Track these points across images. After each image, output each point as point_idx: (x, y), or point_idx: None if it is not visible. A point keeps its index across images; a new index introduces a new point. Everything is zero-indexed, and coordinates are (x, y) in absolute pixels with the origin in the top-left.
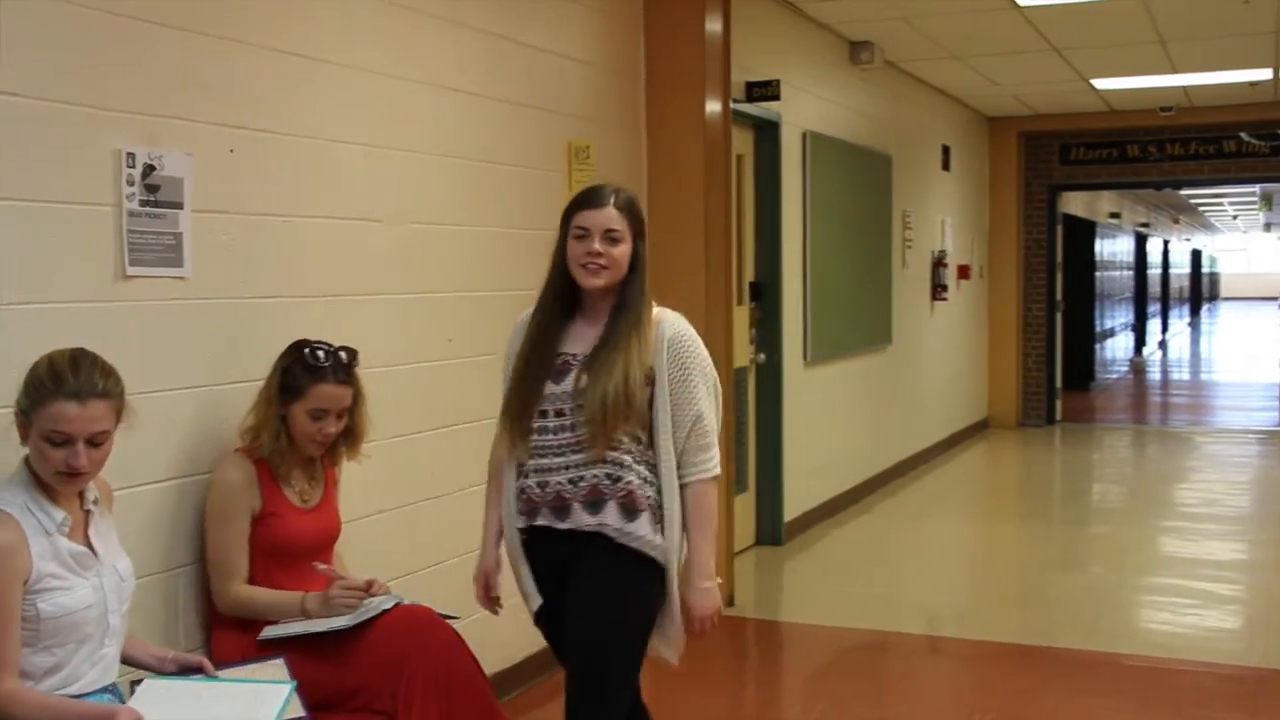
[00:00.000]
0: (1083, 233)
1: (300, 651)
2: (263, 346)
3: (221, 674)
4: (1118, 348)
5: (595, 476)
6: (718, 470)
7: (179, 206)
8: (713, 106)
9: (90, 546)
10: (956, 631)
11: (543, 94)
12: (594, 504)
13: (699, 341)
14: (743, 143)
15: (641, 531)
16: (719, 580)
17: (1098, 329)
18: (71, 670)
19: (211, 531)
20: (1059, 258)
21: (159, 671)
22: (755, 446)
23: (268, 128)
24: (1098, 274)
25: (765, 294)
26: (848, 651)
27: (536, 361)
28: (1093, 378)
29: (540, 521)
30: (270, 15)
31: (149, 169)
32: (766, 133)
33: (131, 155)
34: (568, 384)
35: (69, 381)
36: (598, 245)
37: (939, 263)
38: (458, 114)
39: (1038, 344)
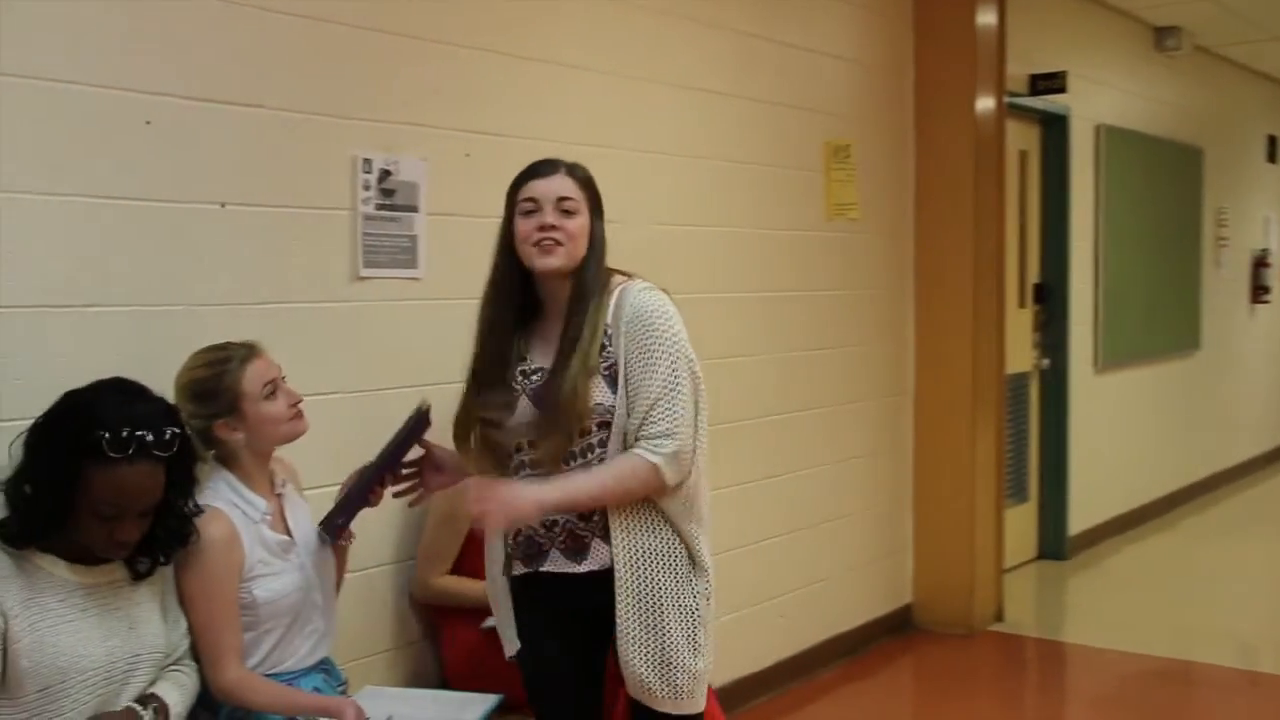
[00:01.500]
0: None
1: None
2: None
3: None
4: None
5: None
6: (660, 459)
7: (414, 209)
8: (985, 102)
9: (288, 530)
10: (1274, 666)
11: (797, 92)
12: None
13: (669, 316)
14: (1027, 138)
15: None
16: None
17: None
18: (286, 648)
19: (432, 525)
20: None
21: None
22: (1038, 456)
23: (505, 131)
24: None
25: (1050, 296)
26: (1136, 679)
27: (499, 381)
28: None
29: (548, 567)
30: (508, 22)
31: (385, 174)
32: (1054, 127)
33: (368, 161)
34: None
35: (234, 353)
36: (551, 218)
37: (1260, 262)
38: (704, 113)
39: None
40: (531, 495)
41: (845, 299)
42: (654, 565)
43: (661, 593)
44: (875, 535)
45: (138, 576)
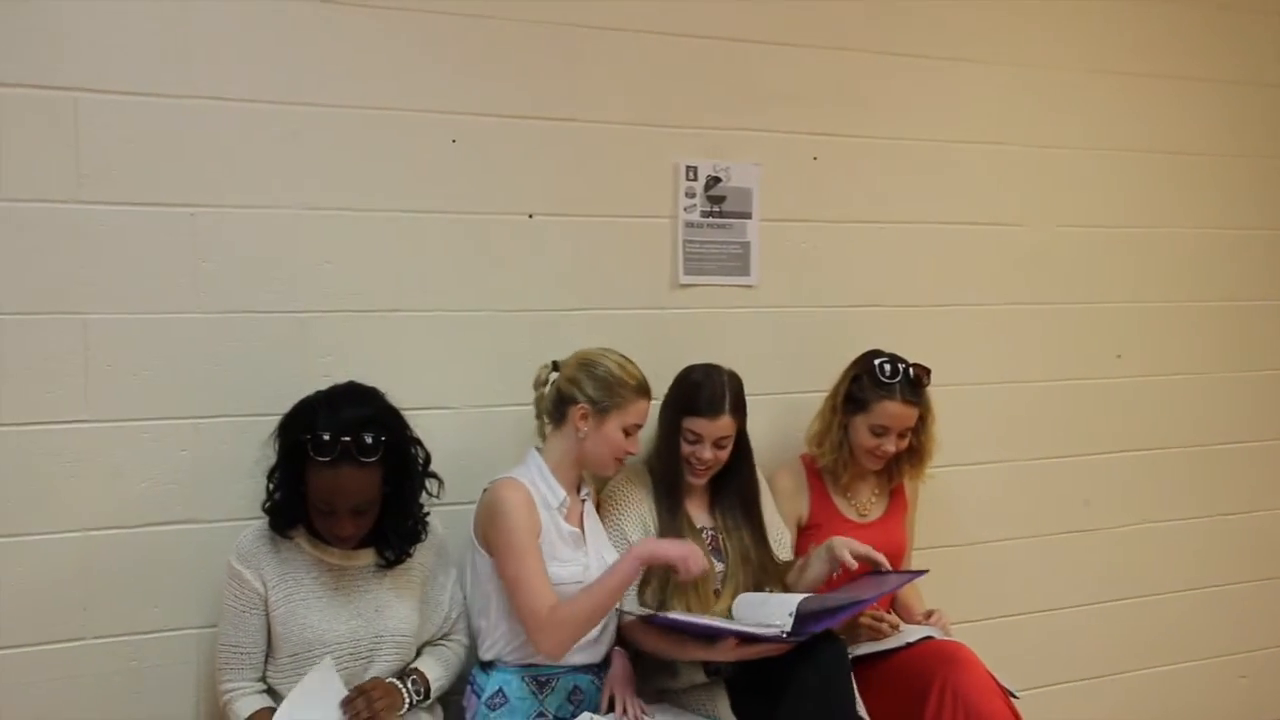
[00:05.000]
0: None
1: None
2: (848, 355)
3: None
4: None
5: None
6: None
7: (746, 216)
8: None
9: (582, 531)
10: None
11: (1269, 66)
12: None
13: None
14: None
15: None
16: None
17: None
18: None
19: None
20: None
21: None
22: None
23: (861, 132)
24: None
25: None
26: None
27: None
28: None
29: None
30: (866, 20)
31: (713, 181)
32: None
33: (693, 169)
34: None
35: (641, 383)
36: (708, 453)
37: None
38: (1124, 100)
39: None
40: None
41: None
42: None
43: None
44: None
45: (387, 564)
